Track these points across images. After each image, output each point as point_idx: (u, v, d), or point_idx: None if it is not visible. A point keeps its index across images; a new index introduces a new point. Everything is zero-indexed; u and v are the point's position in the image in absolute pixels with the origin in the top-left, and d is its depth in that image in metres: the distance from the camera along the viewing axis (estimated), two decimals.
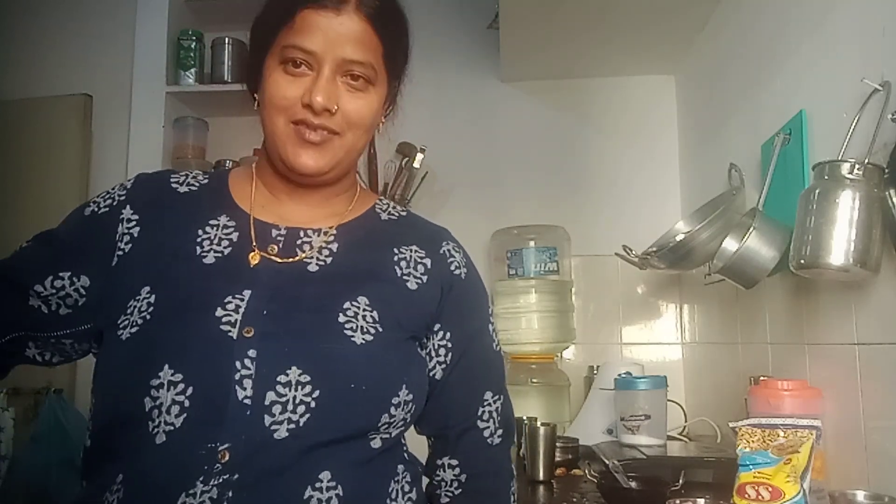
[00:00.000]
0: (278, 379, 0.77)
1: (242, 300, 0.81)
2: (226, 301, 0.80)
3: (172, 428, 0.75)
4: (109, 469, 0.77)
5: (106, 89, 2.50)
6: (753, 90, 1.71)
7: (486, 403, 0.96)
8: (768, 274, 1.38)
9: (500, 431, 0.97)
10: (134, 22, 2.46)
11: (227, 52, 2.44)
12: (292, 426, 0.76)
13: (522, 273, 2.22)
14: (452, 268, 0.95)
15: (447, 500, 0.96)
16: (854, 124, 1.17)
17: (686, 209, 2.26)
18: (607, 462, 1.48)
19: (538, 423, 1.63)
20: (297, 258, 0.87)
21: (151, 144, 2.39)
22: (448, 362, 0.93)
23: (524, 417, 1.72)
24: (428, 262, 0.93)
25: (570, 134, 2.47)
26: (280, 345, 0.79)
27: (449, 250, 0.97)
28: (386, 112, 0.95)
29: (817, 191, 1.14)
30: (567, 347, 2.31)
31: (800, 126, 1.39)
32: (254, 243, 0.87)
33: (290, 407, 0.76)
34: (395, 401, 0.83)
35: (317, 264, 0.88)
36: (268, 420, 0.75)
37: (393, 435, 0.86)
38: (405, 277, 0.90)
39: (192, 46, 2.45)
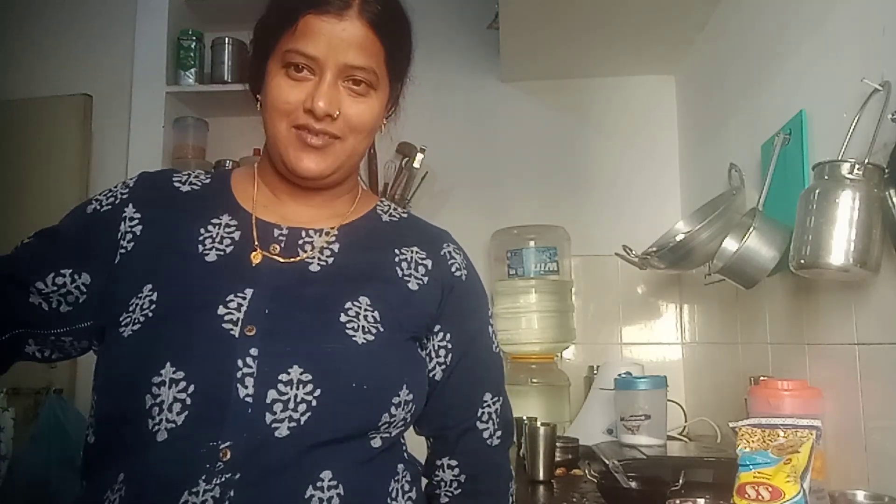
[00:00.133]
0: (279, 377, 0.77)
1: (244, 299, 0.81)
2: (228, 299, 0.81)
3: (174, 426, 0.75)
4: (110, 467, 0.77)
5: (106, 89, 2.50)
6: (753, 90, 1.71)
7: (485, 404, 0.97)
8: (768, 274, 1.38)
9: (499, 433, 0.98)
10: (134, 22, 2.46)
11: (227, 52, 2.45)
12: (293, 425, 0.76)
13: (522, 273, 2.22)
14: (453, 269, 0.96)
15: (446, 500, 0.96)
16: (854, 124, 1.17)
17: (686, 209, 2.26)
18: (607, 462, 1.48)
19: (538, 423, 1.63)
20: (299, 258, 0.88)
21: (151, 144, 2.39)
22: (448, 363, 0.94)
23: (524, 417, 1.72)
24: (429, 263, 0.94)
25: (570, 134, 2.47)
26: (282, 344, 0.79)
27: (449, 252, 0.97)
28: (388, 113, 0.95)
29: (817, 191, 1.14)
30: (567, 347, 2.31)
31: (800, 126, 1.39)
32: (256, 242, 0.87)
33: (291, 405, 0.76)
34: (395, 400, 0.83)
35: (318, 264, 0.88)
36: (269, 418, 0.76)
37: (393, 434, 0.86)
38: (406, 278, 0.91)
39: (192, 46, 2.45)
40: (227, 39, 2.45)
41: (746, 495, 1.00)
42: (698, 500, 1.11)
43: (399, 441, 0.90)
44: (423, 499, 0.94)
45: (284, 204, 0.93)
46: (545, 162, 2.46)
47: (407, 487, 0.88)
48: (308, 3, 0.83)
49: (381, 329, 0.84)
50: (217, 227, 0.88)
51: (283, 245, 0.88)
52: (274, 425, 0.76)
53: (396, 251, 0.93)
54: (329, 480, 0.78)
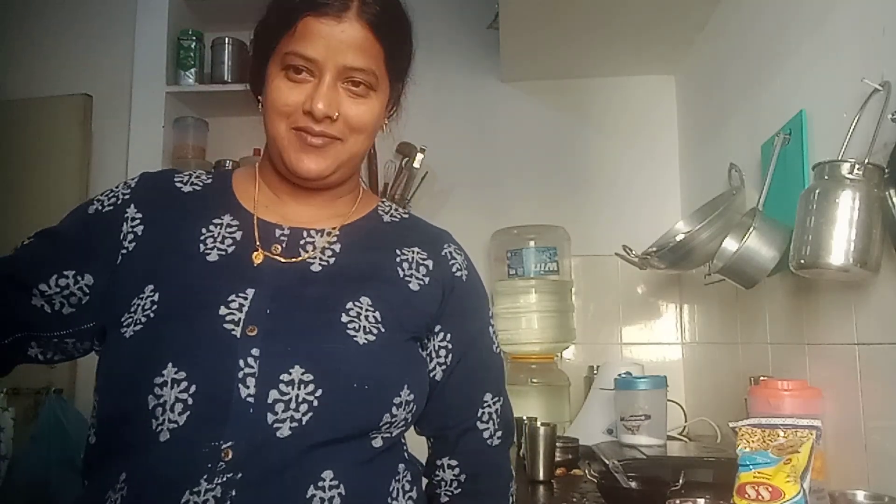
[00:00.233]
0: (281, 378, 0.77)
1: (246, 299, 0.81)
2: (229, 300, 0.81)
3: (176, 426, 0.75)
4: (112, 467, 0.77)
5: (106, 89, 2.50)
6: (753, 90, 1.71)
7: (485, 405, 0.97)
8: (768, 274, 1.38)
9: (499, 433, 0.98)
10: (134, 22, 2.46)
11: (227, 52, 2.45)
12: (295, 425, 0.76)
13: (522, 273, 2.22)
14: (454, 269, 0.96)
15: (446, 499, 0.97)
16: (854, 124, 1.17)
17: (686, 209, 2.26)
18: (607, 462, 1.48)
19: (538, 423, 1.63)
20: (300, 258, 0.88)
21: (151, 144, 2.39)
22: (448, 363, 0.94)
23: (524, 417, 1.72)
24: (430, 263, 0.94)
25: (570, 134, 2.47)
26: (283, 344, 0.79)
27: (450, 252, 0.97)
28: (389, 113, 0.95)
29: (817, 191, 1.14)
30: (567, 347, 2.31)
31: (800, 126, 1.39)
32: (257, 242, 0.87)
33: (292, 405, 0.76)
34: (396, 401, 0.83)
35: (319, 264, 0.88)
36: (270, 418, 0.76)
37: (394, 434, 0.86)
38: (407, 278, 0.91)
39: (192, 46, 2.45)
40: (227, 39, 2.45)
41: (746, 495, 1.00)
42: (698, 500, 1.11)
43: (400, 441, 0.90)
44: (424, 498, 0.94)
45: (286, 204, 0.93)
46: (545, 162, 2.46)
47: (408, 487, 0.88)
48: (307, 4, 0.83)
49: (382, 329, 0.84)
50: (219, 227, 0.88)
51: (284, 245, 0.88)
52: (276, 425, 0.76)
53: (398, 251, 0.93)
54: (330, 480, 0.78)
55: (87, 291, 0.85)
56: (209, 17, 2.54)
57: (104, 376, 0.81)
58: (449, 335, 0.94)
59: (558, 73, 2.44)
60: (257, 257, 0.86)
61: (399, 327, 0.87)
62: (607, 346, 2.36)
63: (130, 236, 0.86)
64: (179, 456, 0.74)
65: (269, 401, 0.76)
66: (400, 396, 0.83)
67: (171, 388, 0.75)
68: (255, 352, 0.78)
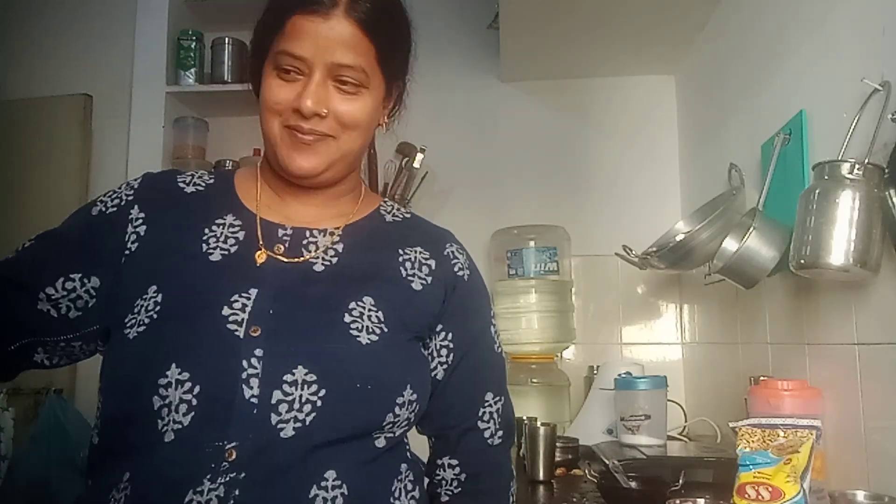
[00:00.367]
0: (284, 378, 0.77)
1: (249, 299, 0.81)
2: (232, 300, 0.81)
3: (181, 426, 0.75)
4: (116, 467, 0.77)
5: (106, 89, 2.50)
6: (753, 90, 1.71)
7: (486, 404, 0.97)
8: (768, 274, 1.38)
9: (500, 432, 0.98)
10: (134, 22, 2.46)
11: (227, 52, 2.45)
12: (298, 425, 0.76)
13: (522, 273, 2.22)
14: (456, 269, 0.96)
15: (447, 499, 0.97)
16: (854, 124, 1.17)
17: (686, 209, 2.26)
18: (607, 462, 1.48)
19: (538, 423, 1.63)
20: (303, 258, 0.88)
21: (151, 144, 2.39)
22: (450, 363, 0.94)
23: (524, 417, 1.72)
24: (432, 263, 0.94)
25: (570, 134, 2.47)
26: (286, 344, 0.79)
27: (452, 252, 0.97)
28: (391, 112, 0.95)
29: (817, 191, 1.14)
30: (567, 347, 2.31)
31: (800, 126, 1.39)
32: (260, 242, 0.87)
33: (296, 406, 0.77)
34: (399, 400, 0.83)
35: (322, 264, 0.88)
36: (274, 419, 0.76)
37: (397, 434, 0.86)
38: (410, 278, 0.91)
39: (192, 46, 2.45)
40: (227, 39, 2.45)
41: (746, 495, 1.00)
42: (698, 500, 1.11)
43: (402, 441, 0.90)
44: (426, 498, 0.94)
45: (288, 204, 0.93)
46: (545, 162, 2.46)
47: (410, 487, 0.88)
48: (296, 3, 0.83)
49: (385, 329, 0.84)
50: (221, 227, 0.88)
51: (287, 245, 0.88)
52: (279, 426, 0.76)
53: (400, 251, 0.93)
54: (333, 480, 0.78)
55: (94, 294, 0.85)
56: (209, 17, 2.54)
57: (108, 377, 0.81)
58: (451, 335, 0.94)
59: (558, 73, 2.44)
60: (260, 257, 0.86)
61: (402, 327, 0.87)
62: (607, 346, 2.36)
63: (133, 237, 0.86)
64: (183, 456, 0.74)
65: (273, 401, 0.76)
66: (403, 396, 0.83)
67: (176, 388, 0.75)
68: (258, 352, 0.78)
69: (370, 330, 0.83)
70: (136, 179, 0.92)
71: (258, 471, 0.75)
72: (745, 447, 1.05)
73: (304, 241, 0.89)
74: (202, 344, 0.78)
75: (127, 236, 0.86)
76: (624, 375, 1.83)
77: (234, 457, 0.74)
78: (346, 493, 0.78)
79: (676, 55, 2.28)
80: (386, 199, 1.03)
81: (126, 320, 0.80)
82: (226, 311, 0.80)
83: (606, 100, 2.47)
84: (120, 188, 0.91)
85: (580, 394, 2.17)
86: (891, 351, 1.11)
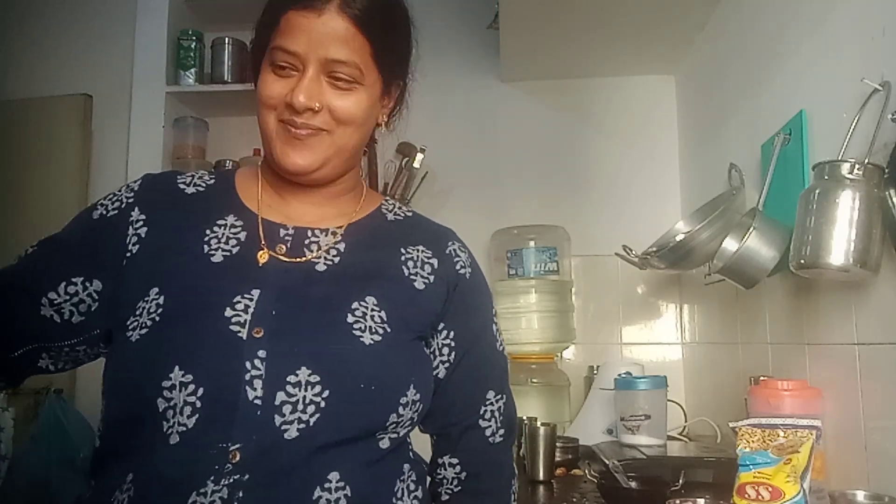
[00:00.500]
0: (288, 379, 0.77)
1: (251, 300, 0.81)
2: (235, 301, 0.81)
3: (185, 429, 0.75)
4: (119, 468, 0.77)
5: (106, 89, 2.50)
6: (753, 90, 1.71)
7: (488, 402, 0.97)
8: (768, 274, 1.38)
9: (501, 431, 0.98)
10: (134, 22, 2.46)
11: (227, 52, 2.45)
12: (302, 426, 0.76)
13: (522, 273, 2.22)
14: (458, 267, 0.96)
15: (447, 498, 0.97)
16: (854, 124, 1.17)
17: (686, 209, 2.26)
18: (607, 462, 1.48)
19: (538, 423, 1.63)
20: (305, 258, 0.88)
21: (151, 144, 2.39)
22: (451, 361, 0.94)
23: (524, 417, 1.72)
24: (435, 262, 0.94)
25: (570, 134, 2.47)
26: (289, 345, 0.79)
27: (454, 250, 0.97)
28: (392, 111, 0.95)
29: (817, 191, 1.14)
30: (567, 347, 2.31)
31: (800, 126, 1.39)
32: (262, 242, 0.87)
33: (300, 407, 0.76)
34: (402, 400, 0.83)
35: (325, 264, 0.88)
36: (278, 420, 0.76)
37: (401, 435, 0.86)
38: (412, 277, 0.91)
39: (192, 46, 2.45)
40: (227, 39, 2.45)
41: (746, 495, 1.00)
42: (698, 500, 1.11)
43: (405, 441, 0.90)
44: (429, 498, 0.94)
45: (289, 203, 0.92)
46: (545, 162, 2.46)
47: (413, 487, 0.88)
48: (290, 0, 0.84)
49: (388, 329, 0.84)
50: (223, 227, 0.88)
51: (289, 245, 0.88)
52: (283, 427, 0.76)
53: (402, 250, 0.93)
54: (337, 482, 0.78)
55: (97, 298, 0.84)
56: (209, 17, 2.54)
57: (111, 380, 0.81)
58: (452, 333, 0.94)
59: (558, 73, 2.44)
60: (262, 257, 0.86)
61: (405, 327, 0.87)
62: (607, 346, 2.36)
63: (134, 239, 0.86)
64: (187, 458, 0.74)
65: (277, 402, 0.76)
66: (406, 396, 0.83)
67: (180, 391, 0.75)
68: (261, 353, 0.78)
69: (373, 330, 0.83)
70: (135, 181, 0.92)
71: (262, 472, 0.75)
72: (745, 447, 1.05)
73: (306, 241, 0.89)
74: (204, 345, 0.78)
75: (128, 239, 0.86)
76: (624, 375, 1.83)
77: (237, 458, 0.74)
78: (349, 494, 0.78)
79: (676, 55, 2.28)
80: (387, 198, 1.02)
81: (128, 323, 0.80)
82: (228, 312, 0.80)
83: (606, 100, 2.47)
84: (120, 191, 0.91)
85: (580, 394, 2.17)
86: (891, 351, 1.11)
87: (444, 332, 0.93)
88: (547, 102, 2.49)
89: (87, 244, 0.86)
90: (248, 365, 0.77)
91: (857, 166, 1.10)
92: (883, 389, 1.14)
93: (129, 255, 0.85)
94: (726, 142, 1.93)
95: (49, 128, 2.44)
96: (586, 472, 1.51)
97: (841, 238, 1.09)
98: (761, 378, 1.38)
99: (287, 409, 0.76)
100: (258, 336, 0.79)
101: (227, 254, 0.85)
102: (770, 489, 0.98)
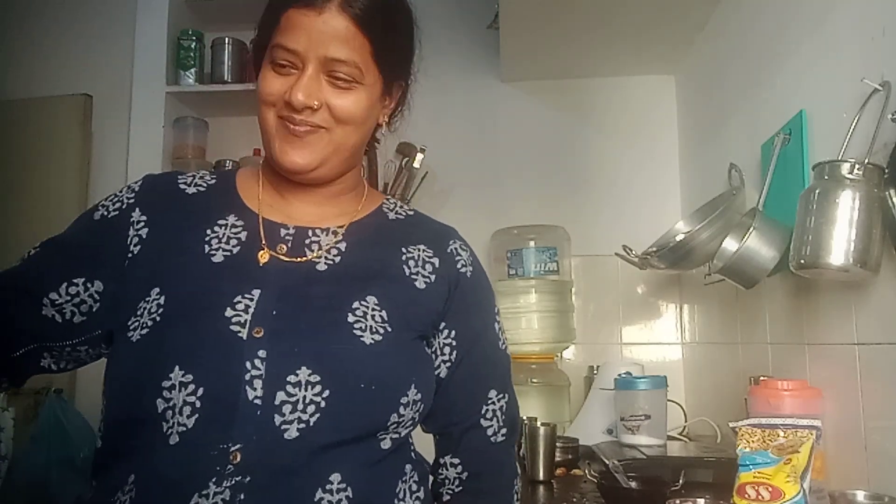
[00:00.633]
0: (288, 379, 0.77)
1: (252, 300, 0.81)
2: (235, 301, 0.81)
3: (185, 429, 0.75)
4: (121, 469, 0.77)
5: (106, 89, 2.50)
6: (753, 90, 1.71)
7: (490, 402, 0.96)
8: (768, 274, 1.38)
9: (503, 430, 0.97)
10: (134, 22, 2.46)
11: (227, 52, 2.45)
12: (302, 426, 0.76)
13: (522, 273, 2.22)
14: (459, 266, 0.96)
15: (448, 498, 0.97)
16: (854, 124, 1.17)
17: (686, 209, 2.26)
18: (607, 462, 1.48)
19: (538, 423, 1.63)
20: (306, 258, 0.87)
21: (151, 144, 2.39)
22: (453, 360, 0.93)
23: (524, 417, 1.72)
24: (436, 261, 0.93)
25: (570, 134, 2.47)
26: (289, 345, 0.79)
27: (456, 249, 0.97)
28: (393, 112, 0.95)
29: (817, 191, 1.14)
30: (567, 347, 2.31)
31: (800, 126, 1.39)
32: (263, 242, 0.87)
33: (300, 406, 0.76)
34: (403, 400, 0.83)
35: (325, 263, 0.88)
36: (278, 420, 0.76)
37: (402, 435, 0.86)
38: (413, 277, 0.91)
39: (192, 46, 2.45)
40: (227, 39, 2.45)
41: (746, 495, 1.00)
42: (698, 500, 1.11)
43: (407, 441, 0.90)
44: (431, 498, 0.94)
45: (290, 203, 0.92)
46: (545, 162, 2.46)
47: (415, 487, 0.88)
48: None
49: (389, 329, 0.84)
50: (223, 227, 0.88)
51: (289, 245, 0.88)
52: (283, 427, 0.76)
53: (403, 249, 0.93)
54: (338, 483, 0.78)
55: (98, 298, 0.85)
56: (209, 17, 2.54)
57: (112, 380, 0.81)
58: (454, 332, 0.93)
59: (558, 73, 2.44)
60: (263, 257, 0.86)
61: (406, 326, 0.86)
62: (607, 346, 2.36)
63: (135, 240, 0.86)
64: (188, 458, 0.74)
65: (276, 402, 0.76)
66: (407, 396, 0.83)
67: (179, 391, 0.75)
68: (261, 353, 0.78)
69: (374, 330, 0.83)
70: (136, 182, 0.92)
71: (263, 474, 0.75)
72: (745, 447, 1.05)
73: (307, 241, 0.89)
74: (205, 346, 0.78)
75: (129, 239, 0.86)
76: (624, 375, 1.83)
77: (238, 459, 0.74)
78: (350, 495, 0.78)
79: (676, 55, 2.28)
80: (389, 197, 1.02)
81: (129, 323, 0.80)
82: (229, 312, 0.80)
83: (606, 100, 2.47)
84: (121, 191, 0.91)
85: (580, 394, 2.17)
86: (891, 351, 1.11)
87: (446, 332, 0.93)
88: (547, 102, 2.49)
89: (89, 245, 0.87)
90: (248, 365, 0.77)
91: (857, 166, 1.10)
92: (883, 389, 1.14)
93: (130, 255, 0.85)
94: (726, 142, 1.93)
95: (49, 128, 2.44)
96: (586, 472, 1.51)
97: (841, 238, 1.09)
98: (761, 378, 1.38)
99: (287, 408, 0.76)
100: (258, 336, 0.79)
101: (228, 254, 0.85)
102: (770, 489, 0.98)
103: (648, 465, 1.52)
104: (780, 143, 1.45)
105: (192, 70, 2.44)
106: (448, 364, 0.93)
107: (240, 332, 0.79)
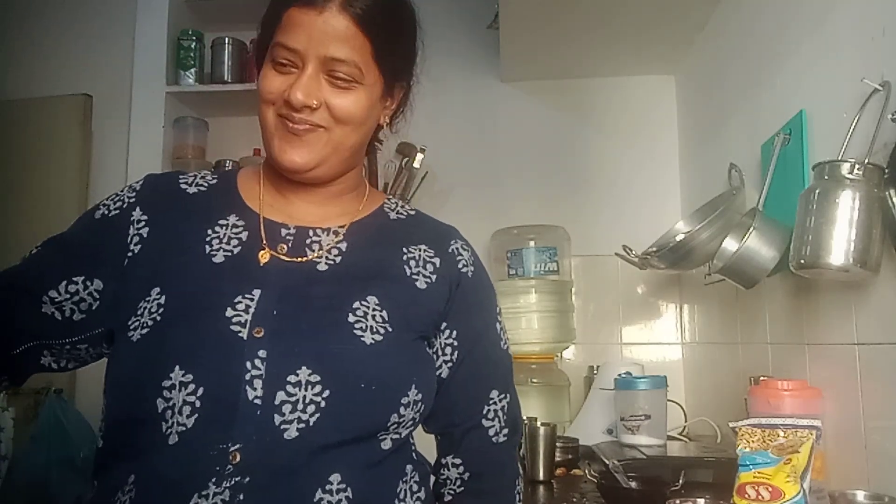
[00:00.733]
0: (288, 379, 0.77)
1: (252, 300, 0.81)
2: (236, 301, 0.81)
3: (184, 429, 0.75)
4: (121, 469, 0.78)
5: (106, 89, 2.50)
6: (753, 90, 1.71)
7: (491, 402, 0.96)
8: (768, 274, 1.38)
9: (505, 430, 0.97)
10: (134, 22, 2.46)
11: (227, 52, 2.45)
12: (302, 426, 0.76)
13: (522, 273, 2.22)
14: (460, 265, 0.96)
15: (449, 498, 0.97)
16: (854, 124, 1.17)
17: (686, 209, 2.26)
18: (607, 462, 1.48)
19: (538, 423, 1.63)
20: (307, 258, 0.87)
21: (151, 144, 2.39)
22: (454, 361, 0.93)
23: (524, 417, 1.72)
24: (437, 261, 0.93)
25: (570, 134, 2.47)
26: (290, 345, 0.79)
27: (457, 248, 0.97)
28: (394, 112, 0.95)
29: (817, 191, 1.14)
30: (567, 347, 2.31)
31: (800, 126, 1.39)
32: (264, 242, 0.87)
33: (300, 406, 0.76)
34: (404, 401, 0.83)
35: (326, 263, 0.88)
36: (277, 419, 0.76)
37: (403, 435, 0.86)
38: (414, 277, 0.90)
39: (192, 46, 2.45)
40: (227, 39, 2.45)
41: (746, 495, 1.00)
42: (698, 500, 1.11)
43: (408, 441, 0.90)
44: (432, 499, 0.94)
45: (291, 202, 0.92)
46: (545, 162, 2.46)
47: (415, 488, 0.88)
48: None
49: (390, 329, 0.84)
50: (224, 227, 0.88)
51: (290, 245, 0.88)
52: (283, 426, 0.76)
53: (404, 249, 0.93)
54: (338, 483, 0.78)
55: (97, 297, 0.85)
56: (209, 17, 2.54)
57: (112, 380, 0.81)
58: (455, 332, 0.93)
59: (558, 73, 2.44)
60: (263, 256, 0.86)
61: (406, 326, 0.86)
62: (607, 346, 2.36)
63: (136, 239, 0.86)
64: (188, 458, 0.74)
65: (276, 402, 0.76)
66: (408, 396, 0.83)
67: (179, 391, 0.75)
68: (261, 353, 0.78)
69: (374, 330, 0.83)
70: (138, 181, 0.92)
71: (262, 474, 0.75)
72: (745, 447, 1.05)
73: (308, 241, 0.89)
74: (205, 345, 0.78)
75: (129, 238, 0.86)
76: (624, 375, 1.83)
77: (237, 459, 0.74)
78: (350, 496, 0.78)
79: (676, 55, 2.28)
80: (390, 197, 1.02)
81: (129, 323, 0.80)
82: (229, 312, 0.80)
83: (606, 100, 2.47)
84: (122, 191, 0.91)
85: (580, 394, 2.17)
86: (891, 351, 1.11)
87: (447, 332, 0.93)
88: (547, 102, 2.49)
89: (89, 244, 0.87)
90: (248, 365, 0.77)
91: (857, 166, 1.10)
92: (883, 389, 1.14)
93: (130, 255, 0.86)
94: (726, 142, 1.93)
95: (49, 128, 2.44)
96: (586, 472, 1.51)
97: (841, 238, 1.09)
98: (761, 378, 1.38)
99: (287, 408, 0.76)
100: (259, 336, 0.79)
101: (229, 254, 0.85)
102: (770, 489, 0.98)
103: (648, 465, 1.52)
104: (780, 143, 1.45)
105: (192, 70, 2.44)
106: (449, 364, 0.93)
107: (240, 332, 0.79)
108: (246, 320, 0.79)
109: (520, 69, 2.42)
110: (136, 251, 0.86)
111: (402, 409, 0.83)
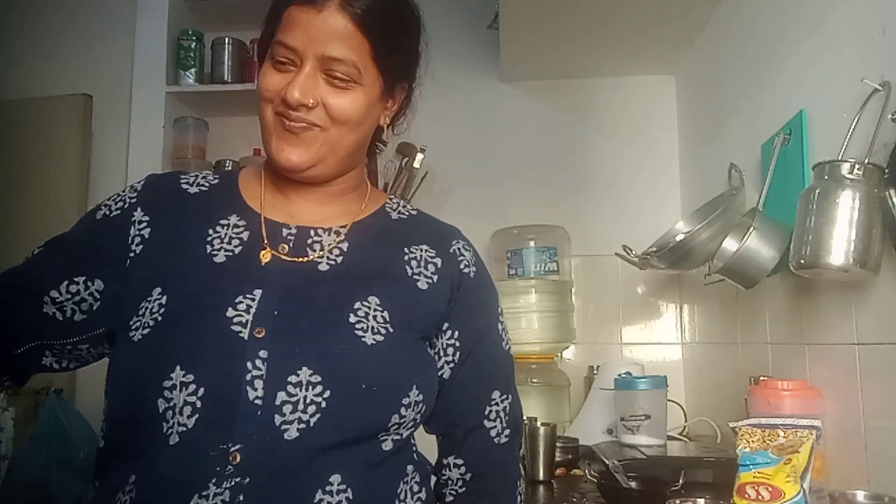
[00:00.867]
0: (289, 379, 0.77)
1: (253, 300, 0.81)
2: (237, 301, 0.81)
3: (185, 429, 0.75)
4: (122, 469, 0.78)
5: (106, 89, 2.50)
6: (753, 90, 1.71)
7: (493, 402, 0.96)
8: (768, 274, 1.38)
9: (507, 431, 0.97)
10: (134, 22, 2.46)
11: (227, 52, 2.45)
12: (302, 426, 0.76)
13: (522, 273, 2.22)
14: (462, 266, 0.95)
15: (451, 499, 0.96)
16: (854, 124, 1.17)
17: (686, 209, 2.26)
18: (607, 462, 1.48)
19: (538, 423, 1.63)
20: (308, 258, 0.87)
21: (151, 144, 2.39)
22: (456, 361, 0.93)
23: (524, 417, 1.72)
24: (438, 261, 0.93)
25: (570, 134, 2.47)
26: (291, 345, 0.79)
27: (458, 249, 0.97)
28: (395, 114, 0.95)
29: (817, 191, 1.14)
30: (567, 347, 2.31)
31: (800, 126, 1.39)
32: (265, 242, 0.87)
33: (300, 406, 0.76)
34: (405, 401, 0.83)
35: (327, 263, 0.87)
36: (278, 420, 0.76)
37: (404, 436, 0.86)
38: (416, 277, 0.90)
39: (192, 46, 2.45)
40: (227, 39, 2.45)
41: (746, 495, 1.00)
42: (698, 500, 1.11)
43: (409, 442, 0.90)
44: (433, 499, 0.94)
45: (292, 202, 0.92)
46: (545, 162, 2.46)
47: (416, 489, 0.88)
48: None
49: (391, 329, 0.84)
50: (225, 227, 0.88)
51: (291, 245, 0.88)
52: (283, 427, 0.76)
53: (406, 249, 0.92)
54: (338, 484, 0.78)
55: (98, 297, 0.85)
56: (209, 17, 2.54)
57: (114, 380, 0.81)
58: (457, 332, 0.93)
59: (558, 73, 2.45)
60: (265, 256, 0.86)
61: (407, 327, 0.86)
62: (607, 346, 2.36)
63: (138, 239, 0.86)
64: (188, 459, 0.74)
65: (277, 402, 0.76)
66: (409, 397, 0.83)
67: (180, 391, 0.75)
68: (262, 353, 0.78)
69: (375, 330, 0.83)
70: (139, 182, 0.92)
71: (263, 475, 0.75)
72: (745, 447, 1.05)
73: (309, 241, 0.89)
74: (206, 346, 0.78)
75: (130, 239, 0.86)
76: (624, 375, 1.83)
77: (238, 460, 0.74)
78: (350, 497, 0.78)
79: (676, 55, 2.28)
80: (392, 197, 1.02)
81: (131, 323, 0.80)
82: (230, 312, 0.80)
83: (606, 100, 2.47)
84: (123, 191, 0.91)
85: (580, 394, 2.17)
86: (891, 351, 1.11)
87: (449, 332, 0.93)
88: (547, 102, 2.49)
89: (90, 244, 0.87)
90: (249, 365, 0.77)
91: (857, 166, 1.10)
92: (883, 389, 1.14)
93: (131, 255, 0.86)
94: (726, 142, 1.93)
95: (49, 128, 2.43)
96: (586, 472, 1.51)
97: (841, 238, 1.09)
98: (761, 378, 1.38)
99: (287, 408, 0.76)
100: (260, 336, 0.79)
101: (230, 254, 0.85)
102: (770, 489, 0.98)
103: (648, 465, 1.52)
104: (780, 143, 1.45)
105: (192, 70, 2.44)
106: (451, 365, 0.93)
107: (241, 332, 0.79)
108: (247, 320, 0.79)
109: (520, 69, 2.42)
110: (137, 251, 0.86)
111: (402, 410, 0.82)
